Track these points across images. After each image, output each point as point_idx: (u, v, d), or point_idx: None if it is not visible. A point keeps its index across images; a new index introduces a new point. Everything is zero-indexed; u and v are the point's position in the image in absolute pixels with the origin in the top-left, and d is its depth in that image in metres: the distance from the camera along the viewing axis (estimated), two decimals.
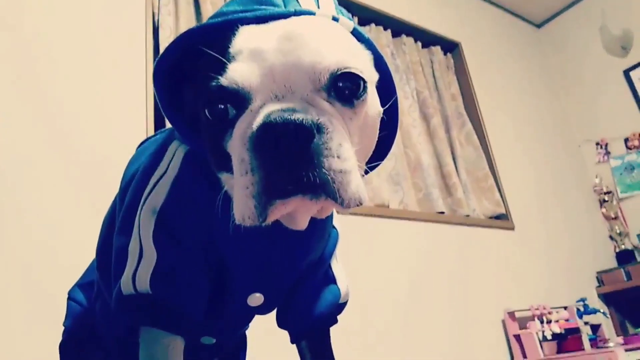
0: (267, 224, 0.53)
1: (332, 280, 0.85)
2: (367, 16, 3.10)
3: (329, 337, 0.86)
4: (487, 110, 3.44)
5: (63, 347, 0.91)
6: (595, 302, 3.30)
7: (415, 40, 3.36)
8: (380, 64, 0.66)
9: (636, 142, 3.77)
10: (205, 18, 2.29)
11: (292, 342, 0.86)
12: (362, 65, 0.59)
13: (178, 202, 0.68)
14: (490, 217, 3.12)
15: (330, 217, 0.81)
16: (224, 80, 0.54)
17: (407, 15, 3.27)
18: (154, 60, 2.04)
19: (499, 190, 3.18)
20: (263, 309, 0.79)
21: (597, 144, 3.97)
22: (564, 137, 4.04)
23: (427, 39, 3.43)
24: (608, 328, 3.21)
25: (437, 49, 3.46)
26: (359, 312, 2.10)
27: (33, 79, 1.75)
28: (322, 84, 0.55)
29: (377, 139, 0.64)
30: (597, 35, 4.08)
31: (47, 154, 1.69)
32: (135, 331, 0.67)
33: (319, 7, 0.62)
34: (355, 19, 3.04)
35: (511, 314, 2.69)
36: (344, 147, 0.52)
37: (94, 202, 1.64)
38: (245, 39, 0.57)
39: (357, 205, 0.53)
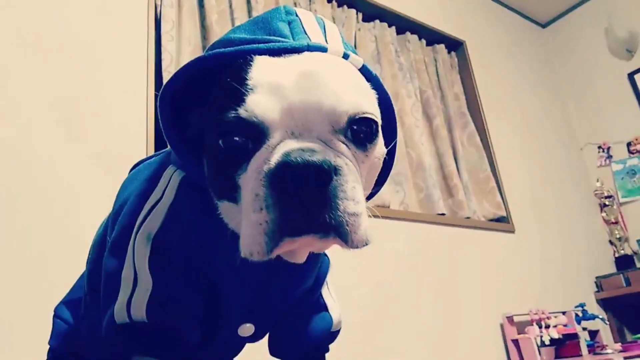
0: (270, 258, 0.53)
1: (324, 308, 0.85)
2: (372, 12, 3.06)
3: None
4: (490, 110, 3.41)
5: None
6: (593, 308, 3.28)
7: (420, 38, 3.31)
8: (386, 101, 0.66)
9: (639, 147, 3.74)
10: (207, 10, 2.24)
11: None
12: (373, 107, 0.60)
13: (174, 228, 0.66)
14: (491, 220, 3.10)
15: None
16: (242, 112, 0.54)
17: (412, 12, 3.22)
18: (156, 54, 2.01)
19: (500, 192, 3.15)
20: (252, 338, 0.80)
21: (600, 147, 3.94)
22: (567, 140, 4.01)
23: (431, 37, 3.38)
24: (606, 334, 3.20)
25: (441, 48, 3.42)
26: (358, 312, 2.07)
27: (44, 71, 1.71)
28: (340, 127, 0.55)
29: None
30: (602, 36, 4.04)
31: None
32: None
33: (326, 41, 0.62)
34: (360, 15, 3.00)
35: (510, 319, 2.67)
36: (357, 190, 0.53)
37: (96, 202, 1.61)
38: (263, 71, 0.56)
39: (363, 246, 0.53)
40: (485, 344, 2.64)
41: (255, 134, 0.54)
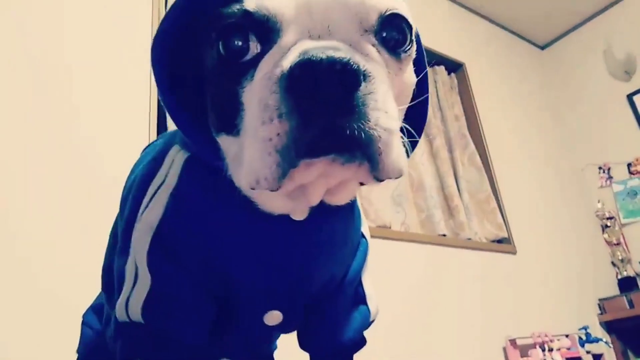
0: (280, 190, 0.43)
1: (362, 299, 0.75)
2: None
3: None
4: (490, 131, 3.42)
5: None
6: (597, 330, 3.24)
7: None
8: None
9: (639, 168, 3.74)
10: None
11: None
12: (408, 12, 0.51)
13: (177, 216, 0.59)
14: (492, 241, 3.08)
15: (355, 223, 0.71)
16: (249, 3, 0.44)
17: None
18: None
19: (502, 213, 3.14)
20: (283, 327, 0.70)
21: (600, 168, 3.94)
22: (567, 161, 4.01)
23: (431, 58, 3.34)
24: (610, 357, 3.15)
25: (441, 69, 3.45)
26: None
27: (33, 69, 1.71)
28: (370, 25, 0.46)
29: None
30: (600, 58, 4.07)
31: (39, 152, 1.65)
32: None
33: None
34: None
35: (512, 342, 2.63)
36: (390, 103, 0.44)
37: (86, 215, 1.60)
38: None
39: (396, 177, 0.44)
40: None
41: (265, 32, 0.45)
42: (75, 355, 0.85)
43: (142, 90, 1.95)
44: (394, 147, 0.43)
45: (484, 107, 3.48)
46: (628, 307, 3.28)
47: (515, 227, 3.17)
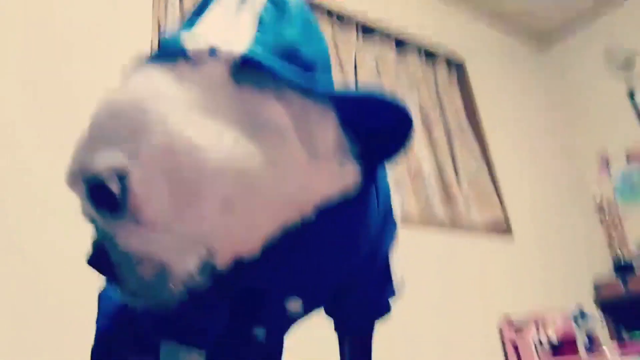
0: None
1: (389, 277, 0.82)
2: (373, 30, 3.19)
3: (372, 337, 0.86)
4: (490, 125, 3.51)
5: (97, 352, 0.78)
6: (591, 310, 3.35)
7: (420, 55, 3.43)
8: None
9: (637, 156, 3.83)
10: None
11: (336, 330, 0.85)
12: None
13: None
14: (490, 229, 3.17)
15: (372, 208, 0.72)
16: None
17: (412, 30, 3.36)
18: None
19: (500, 201, 3.26)
20: (305, 312, 0.75)
21: (599, 155, 4.03)
22: (565, 150, 4.11)
23: (431, 54, 3.51)
24: (603, 335, 3.26)
25: (441, 65, 3.54)
26: None
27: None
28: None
29: None
30: (600, 55, 4.13)
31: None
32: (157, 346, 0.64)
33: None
34: (360, 34, 3.12)
35: (508, 321, 2.76)
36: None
37: None
38: None
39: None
40: (483, 346, 2.71)
41: None
42: (94, 328, 0.80)
43: None
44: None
45: (483, 101, 3.57)
46: (622, 288, 3.41)
47: (513, 214, 3.28)
